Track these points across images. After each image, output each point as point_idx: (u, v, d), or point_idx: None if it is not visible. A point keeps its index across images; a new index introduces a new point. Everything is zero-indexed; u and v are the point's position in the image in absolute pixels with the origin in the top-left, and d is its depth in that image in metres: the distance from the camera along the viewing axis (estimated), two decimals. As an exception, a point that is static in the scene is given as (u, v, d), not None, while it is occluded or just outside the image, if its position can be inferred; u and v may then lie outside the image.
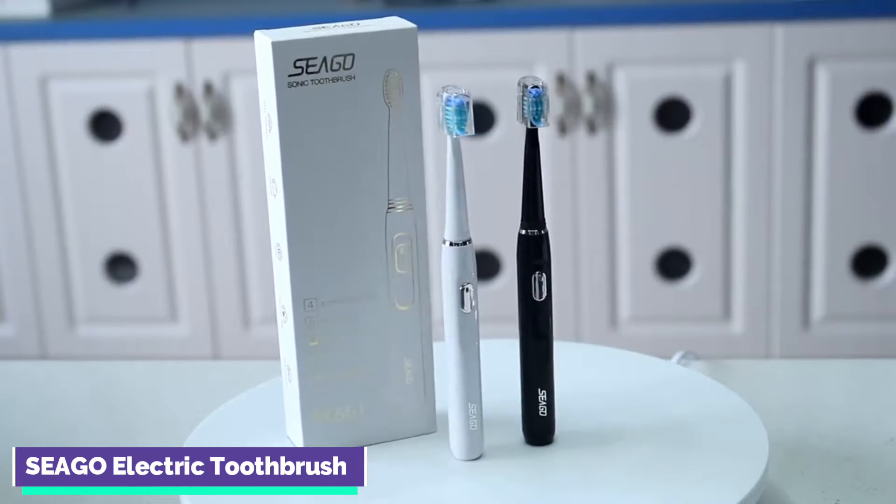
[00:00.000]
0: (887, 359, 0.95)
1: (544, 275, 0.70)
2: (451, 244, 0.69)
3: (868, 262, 2.17)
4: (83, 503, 0.76)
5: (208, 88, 2.18)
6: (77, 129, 2.23)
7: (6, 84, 2.22)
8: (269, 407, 0.79)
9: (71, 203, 2.26)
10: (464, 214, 0.69)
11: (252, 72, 2.45)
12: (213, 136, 2.19)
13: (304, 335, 0.72)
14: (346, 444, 0.73)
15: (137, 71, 2.20)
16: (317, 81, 0.69)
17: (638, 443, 0.73)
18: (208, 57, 2.18)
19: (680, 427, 0.74)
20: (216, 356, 2.28)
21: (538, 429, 0.73)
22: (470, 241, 0.70)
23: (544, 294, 0.71)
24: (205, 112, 2.18)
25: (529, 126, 0.68)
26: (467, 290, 0.69)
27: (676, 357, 0.90)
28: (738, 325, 2.19)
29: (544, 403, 0.72)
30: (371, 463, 0.68)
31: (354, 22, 0.71)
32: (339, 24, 0.71)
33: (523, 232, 0.70)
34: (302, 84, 0.69)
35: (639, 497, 0.68)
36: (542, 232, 0.70)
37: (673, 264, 2.20)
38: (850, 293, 2.16)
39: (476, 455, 0.72)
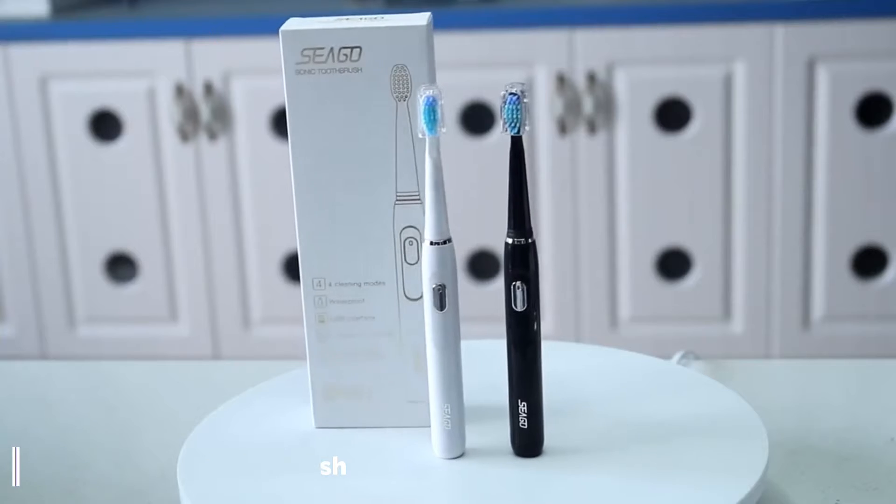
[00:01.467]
0: (887, 359, 0.95)
1: (524, 285, 0.69)
2: (431, 243, 0.69)
3: (868, 262, 2.17)
4: (83, 502, 0.76)
5: (208, 88, 2.18)
6: (77, 129, 2.23)
7: (6, 84, 2.22)
8: (270, 406, 0.79)
9: (71, 203, 2.26)
10: (443, 214, 0.69)
11: (252, 71, 2.45)
12: (213, 136, 2.19)
13: (312, 312, 0.75)
14: (355, 425, 0.76)
15: (137, 71, 2.20)
16: (324, 71, 0.71)
17: (637, 442, 0.73)
18: (208, 57, 2.18)
19: (680, 427, 0.74)
20: (216, 356, 2.28)
21: (520, 441, 0.72)
22: (450, 240, 0.70)
23: (524, 305, 0.69)
24: (205, 112, 2.18)
25: (505, 133, 0.68)
26: (442, 289, 0.69)
27: (676, 357, 0.90)
28: (738, 325, 2.19)
29: (525, 415, 0.71)
30: (352, 449, 0.73)
31: (379, 16, 0.72)
32: (364, 16, 0.73)
33: (509, 241, 0.69)
34: (309, 72, 0.72)
35: (638, 497, 0.67)
36: (529, 241, 0.69)
37: (673, 264, 2.20)
38: (850, 293, 2.16)
39: (453, 454, 0.72)
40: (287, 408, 0.78)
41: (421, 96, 0.67)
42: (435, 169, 0.69)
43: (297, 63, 0.71)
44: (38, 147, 2.24)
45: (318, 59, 0.71)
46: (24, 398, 0.94)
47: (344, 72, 0.71)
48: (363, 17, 0.73)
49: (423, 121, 0.67)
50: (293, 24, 0.72)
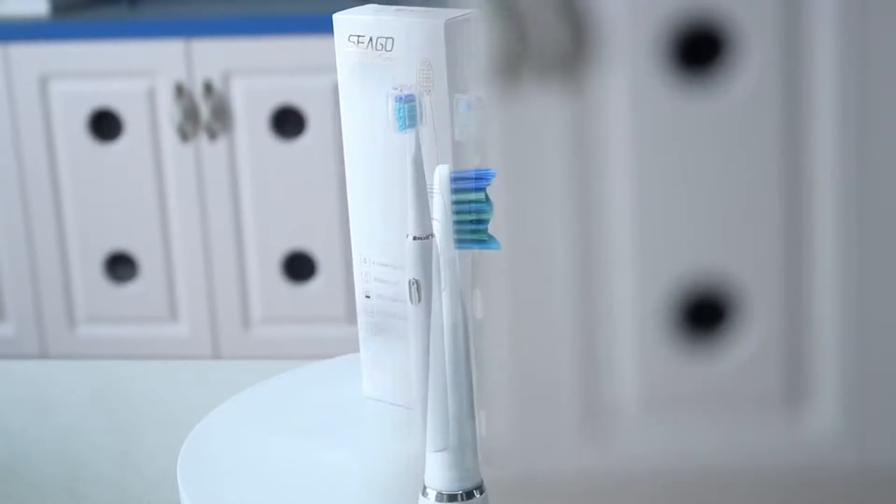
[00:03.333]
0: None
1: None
2: (414, 238, 0.69)
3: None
4: (83, 502, 0.76)
5: (208, 88, 2.18)
6: (77, 129, 2.23)
7: (6, 84, 2.22)
8: (269, 406, 0.79)
9: (71, 203, 2.26)
10: (425, 209, 0.69)
11: (252, 71, 2.44)
12: (213, 136, 2.19)
13: (361, 286, 0.78)
14: (399, 404, 0.78)
15: (137, 71, 2.20)
16: (367, 58, 0.74)
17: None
18: (208, 57, 2.18)
19: (680, 427, 0.74)
20: (216, 356, 2.28)
21: None
22: (432, 235, 0.69)
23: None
24: (205, 112, 2.18)
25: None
26: (417, 284, 0.69)
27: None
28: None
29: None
30: (348, 435, 0.75)
31: (430, 9, 0.74)
32: (415, 9, 0.75)
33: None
34: (354, 58, 0.75)
35: (639, 497, 0.68)
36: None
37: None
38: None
39: (435, 449, 0.71)
40: (286, 407, 0.78)
41: (394, 91, 0.67)
42: (415, 165, 0.69)
43: (346, 48, 0.74)
44: (38, 147, 2.24)
45: (360, 45, 0.74)
46: (24, 398, 0.94)
47: (381, 60, 0.73)
48: (414, 9, 0.74)
49: (393, 117, 0.67)
50: (355, 10, 0.75)
